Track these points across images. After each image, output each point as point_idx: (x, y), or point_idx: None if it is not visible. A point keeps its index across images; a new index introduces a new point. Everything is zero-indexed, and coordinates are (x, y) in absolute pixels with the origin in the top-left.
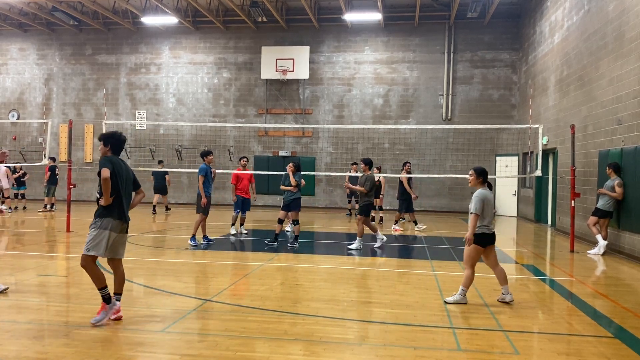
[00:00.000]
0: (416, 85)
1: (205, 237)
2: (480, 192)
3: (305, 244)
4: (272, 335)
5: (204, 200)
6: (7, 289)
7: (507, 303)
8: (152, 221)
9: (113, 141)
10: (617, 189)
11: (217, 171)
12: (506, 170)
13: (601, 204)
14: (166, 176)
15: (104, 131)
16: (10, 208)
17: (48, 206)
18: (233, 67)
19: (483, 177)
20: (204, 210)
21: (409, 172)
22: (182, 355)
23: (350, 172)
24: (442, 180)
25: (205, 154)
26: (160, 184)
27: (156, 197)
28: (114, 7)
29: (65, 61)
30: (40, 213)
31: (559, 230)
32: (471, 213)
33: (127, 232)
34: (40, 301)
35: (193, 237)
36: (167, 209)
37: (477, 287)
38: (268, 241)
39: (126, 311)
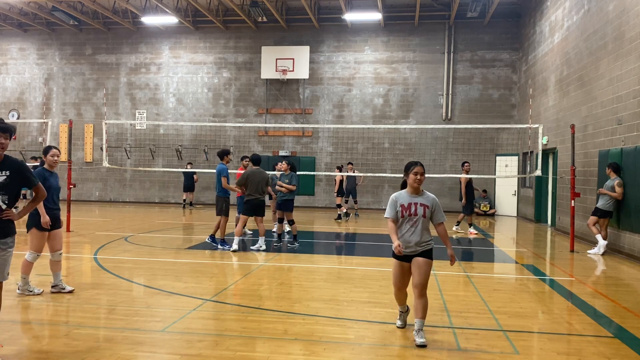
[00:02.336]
0: (416, 85)
1: (222, 241)
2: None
3: (305, 244)
4: (272, 335)
5: (238, 193)
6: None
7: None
8: (182, 215)
9: None
10: (617, 189)
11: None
12: (506, 170)
13: (601, 203)
14: (194, 176)
15: (104, 131)
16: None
17: None
18: (233, 67)
19: None
20: (225, 212)
21: (467, 172)
22: (182, 355)
23: (347, 172)
24: (442, 180)
25: (225, 153)
26: (190, 183)
27: (190, 195)
28: (114, 7)
29: (65, 61)
30: None
31: (559, 230)
32: (442, 222)
33: None
34: (40, 301)
35: (223, 241)
36: (191, 204)
37: (477, 287)
38: (275, 243)
39: (126, 311)
